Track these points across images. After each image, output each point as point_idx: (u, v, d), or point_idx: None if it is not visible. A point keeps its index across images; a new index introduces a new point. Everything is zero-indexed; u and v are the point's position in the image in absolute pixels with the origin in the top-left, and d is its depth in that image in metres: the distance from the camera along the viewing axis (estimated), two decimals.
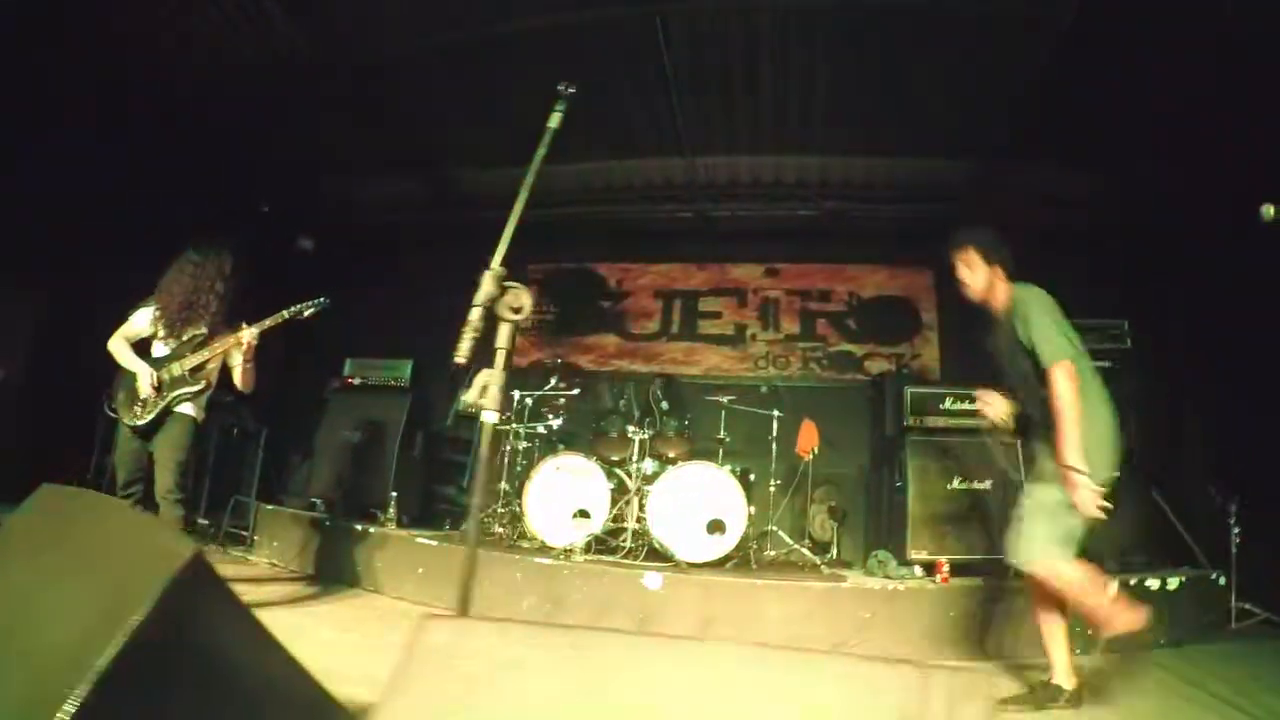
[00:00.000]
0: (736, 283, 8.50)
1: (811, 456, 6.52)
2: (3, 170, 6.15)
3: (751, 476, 6.31)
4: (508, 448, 6.72)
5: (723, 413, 6.47)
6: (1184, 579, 5.10)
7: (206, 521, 7.24)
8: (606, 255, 8.98)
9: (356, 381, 7.65)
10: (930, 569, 5.32)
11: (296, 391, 8.45)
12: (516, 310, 2.34)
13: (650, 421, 6.54)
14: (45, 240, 6.72)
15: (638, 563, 5.56)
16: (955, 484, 5.69)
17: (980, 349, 6.69)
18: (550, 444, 6.64)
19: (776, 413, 6.41)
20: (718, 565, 5.56)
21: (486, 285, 2.35)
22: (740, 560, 5.70)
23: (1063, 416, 3.37)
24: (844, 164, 7.35)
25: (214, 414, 6.54)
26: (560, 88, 2.74)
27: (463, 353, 2.28)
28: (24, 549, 1.74)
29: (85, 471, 6.93)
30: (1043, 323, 3.57)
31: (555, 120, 2.72)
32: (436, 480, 7.81)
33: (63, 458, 6.70)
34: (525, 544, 6.02)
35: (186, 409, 4.45)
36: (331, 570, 5.97)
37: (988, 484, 5.64)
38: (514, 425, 6.71)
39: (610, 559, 5.66)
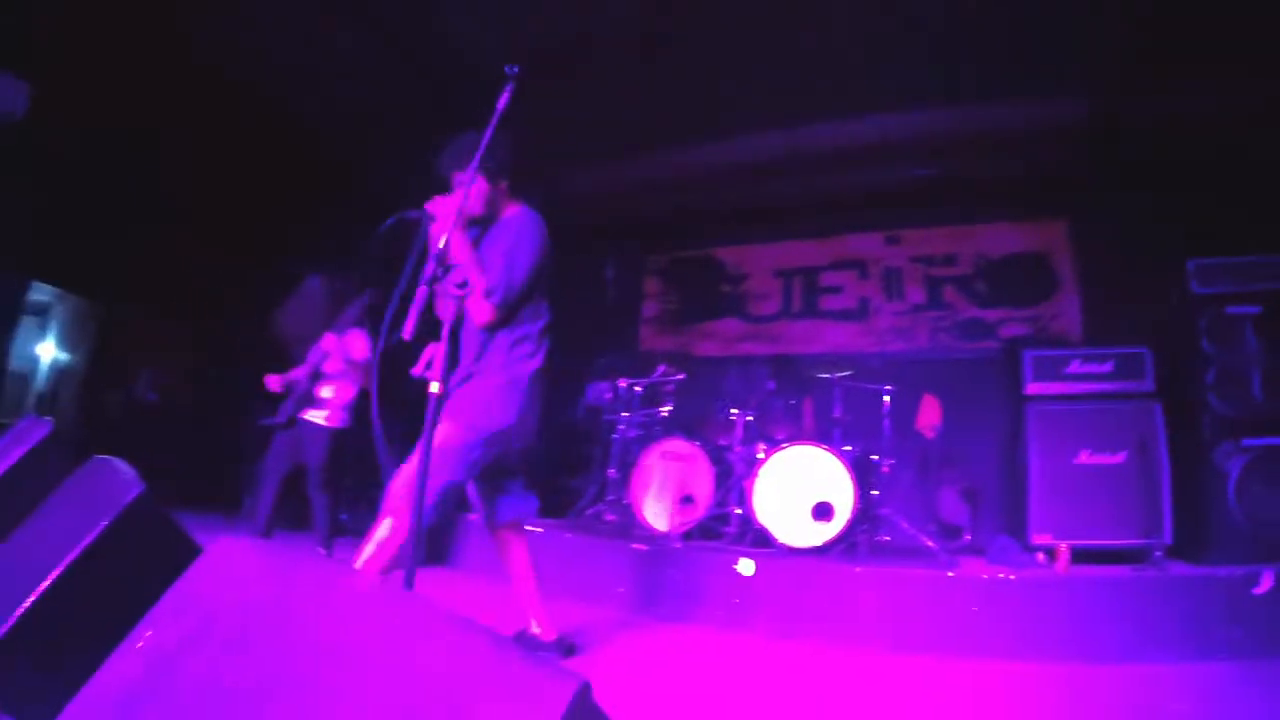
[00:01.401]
0: (856, 254, 7.98)
1: (934, 433, 5.95)
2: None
3: (874, 457, 5.76)
4: (616, 436, 6.50)
5: (837, 390, 5.96)
6: None
7: (347, 517, 7.38)
8: (724, 239, 8.71)
9: None
10: (1053, 555, 4.66)
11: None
12: (460, 286, 2.59)
13: (757, 403, 6.15)
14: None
15: (734, 548, 5.23)
16: (1083, 458, 4.97)
17: (1129, 304, 6.04)
18: (659, 431, 6.35)
19: (888, 388, 5.82)
20: (822, 551, 5.13)
21: (430, 265, 2.54)
22: (848, 546, 5.25)
23: None
24: (951, 115, 6.69)
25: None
26: (507, 69, 2.74)
27: (408, 329, 2.44)
28: None
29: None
30: None
31: (502, 100, 2.78)
32: (563, 472, 7.71)
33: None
34: (634, 531, 5.81)
35: None
36: (443, 555, 6.05)
37: (1121, 456, 4.89)
38: (623, 413, 6.52)
39: (711, 544, 5.39)
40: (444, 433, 3.04)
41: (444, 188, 3.31)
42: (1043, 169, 6.82)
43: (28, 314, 8.13)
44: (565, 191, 8.43)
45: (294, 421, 5.20)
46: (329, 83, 6.85)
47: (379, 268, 3.41)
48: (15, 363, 7.97)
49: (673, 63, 6.36)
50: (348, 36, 6.29)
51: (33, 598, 1.58)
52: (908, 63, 6.12)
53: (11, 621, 1.54)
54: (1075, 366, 5.20)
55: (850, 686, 3.50)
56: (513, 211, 3.46)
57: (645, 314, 8.98)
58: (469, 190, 3.10)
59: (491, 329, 3.30)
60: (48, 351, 9.24)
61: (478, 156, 2.90)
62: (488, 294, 3.18)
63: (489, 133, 2.75)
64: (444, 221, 2.89)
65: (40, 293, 8.33)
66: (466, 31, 6.19)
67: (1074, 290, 6.98)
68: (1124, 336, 5.24)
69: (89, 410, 7.91)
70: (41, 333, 9.20)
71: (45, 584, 1.60)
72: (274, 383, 5.26)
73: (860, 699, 3.32)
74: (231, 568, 1.22)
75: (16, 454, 3.14)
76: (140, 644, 1.15)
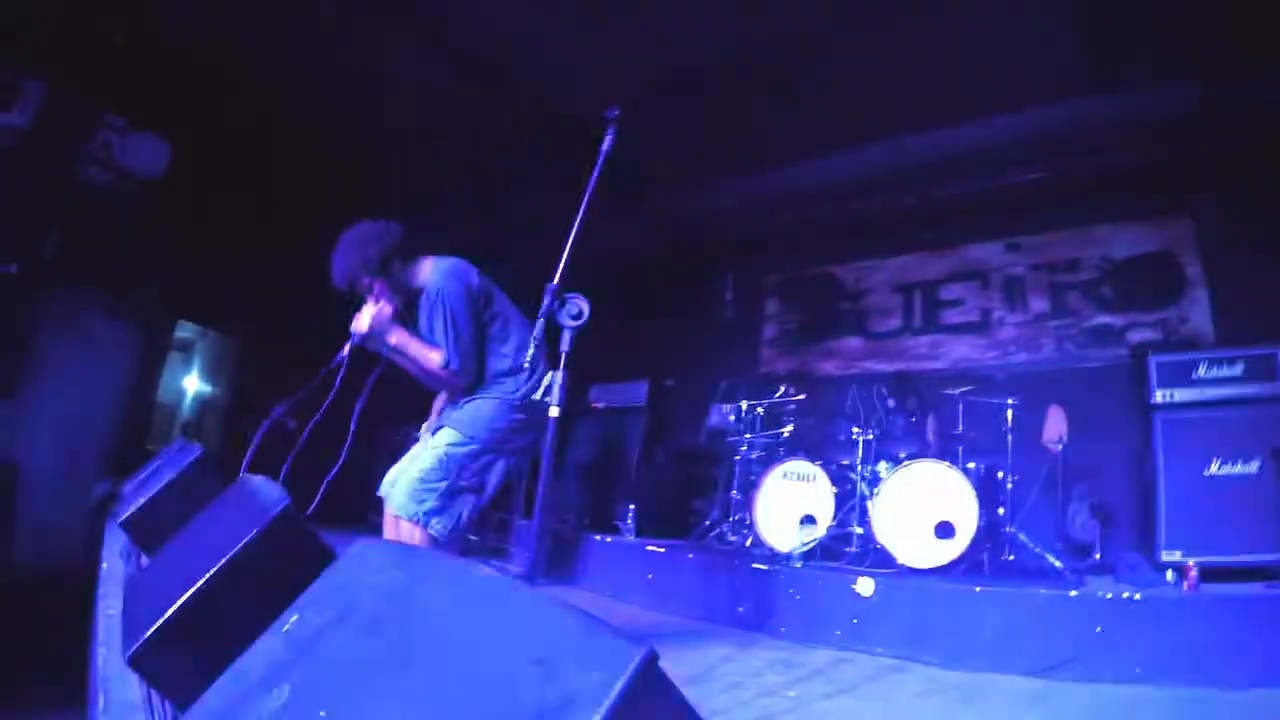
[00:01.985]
0: (976, 264, 7.78)
1: (1060, 447, 5.78)
2: None
3: (1000, 475, 5.64)
4: (738, 458, 6.60)
5: (960, 406, 5.88)
6: None
7: (475, 538, 7.66)
8: (840, 256, 8.65)
9: (600, 405, 7.97)
10: (1183, 573, 4.45)
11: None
12: (575, 317, 2.71)
13: (877, 421, 6.12)
14: None
15: (854, 568, 5.22)
16: (1215, 468, 4.73)
17: (1262, 302, 5.72)
18: (780, 452, 6.36)
19: (1011, 400, 5.67)
20: (944, 571, 5.07)
21: (545, 299, 2.73)
22: (970, 565, 5.18)
23: None
24: (1058, 112, 6.48)
25: None
26: (607, 114, 2.94)
27: (528, 358, 2.91)
28: None
29: None
30: None
31: (606, 142, 2.97)
32: (687, 494, 7.81)
33: None
34: (755, 551, 5.87)
35: None
36: (569, 575, 6.28)
37: (1254, 465, 4.64)
38: (746, 435, 6.61)
39: (831, 565, 5.40)
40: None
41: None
42: (1160, 161, 6.55)
43: (174, 350, 8.89)
44: (678, 214, 8.67)
45: None
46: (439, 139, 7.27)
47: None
48: (163, 395, 8.72)
49: (778, 80, 6.39)
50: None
51: (189, 592, 1.79)
52: (1013, 60, 5.97)
53: (169, 614, 1.75)
54: (1204, 370, 4.96)
55: (964, 708, 3.46)
56: (424, 275, 3.51)
57: (765, 335, 9.00)
58: (376, 295, 3.42)
59: (470, 390, 3.49)
60: (192, 384, 10.08)
61: (356, 263, 3.35)
62: (445, 367, 3.37)
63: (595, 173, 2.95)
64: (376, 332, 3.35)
65: (184, 330, 9.10)
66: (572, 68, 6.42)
67: (1203, 290, 6.61)
68: (1257, 336, 4.97)
69: (231, 437, 8.45)
70: (186, 367, 10.08)
71: (201, 581, 1.81)
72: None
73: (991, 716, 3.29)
74: (368, 562, 1.36)
75: (170, 473, 3.56)
76: (285, 628, 1.30)
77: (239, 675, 1.27)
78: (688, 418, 7.84)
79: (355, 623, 1.20)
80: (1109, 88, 6.19)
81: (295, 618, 1.32)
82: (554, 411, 2.68)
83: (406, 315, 3.55)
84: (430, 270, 3.51)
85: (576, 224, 2.91)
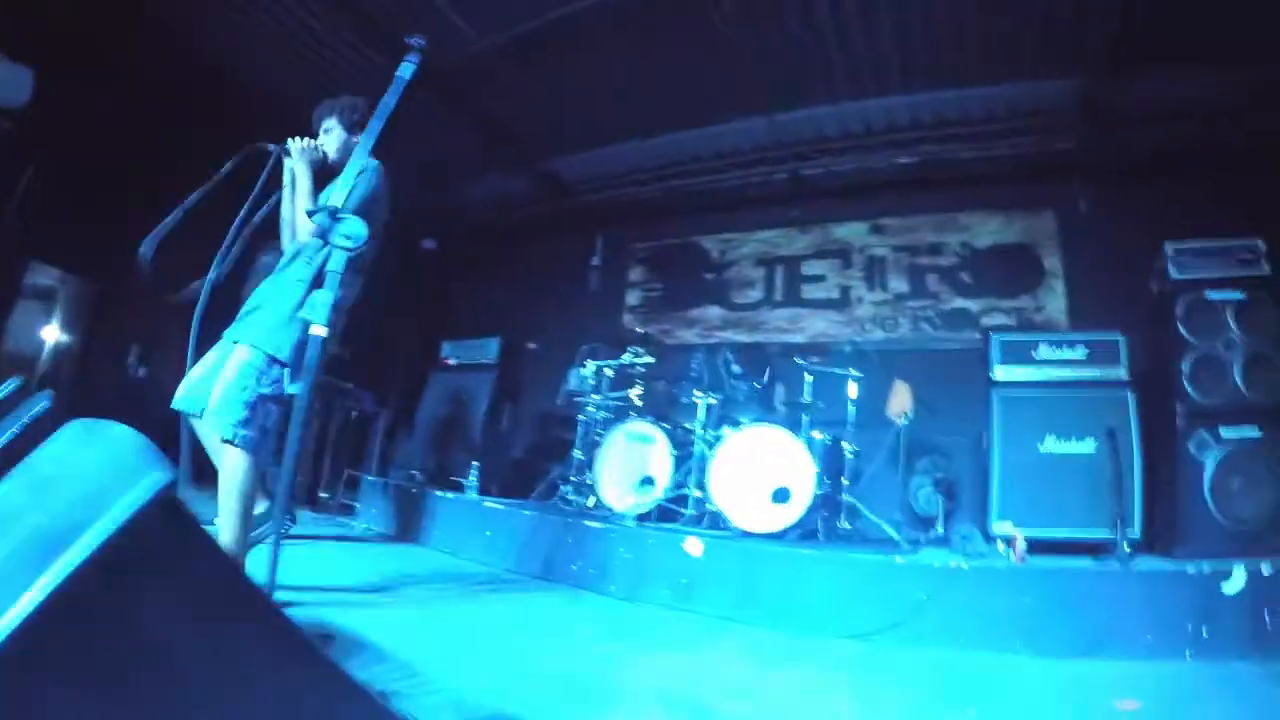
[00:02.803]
0: (840, 243, 7.70)
1: (904, 420, 5.65)
2: None
3: (846, 445, 5.52)
4: (583, 418, 6.35)
5: (809, 376, 5.68)
6: None
7: (327, 494, 7.57)
8: (708, 227, 8.47)
9: (453, 362, 7.62)
10: (1011, 544, 4.26)
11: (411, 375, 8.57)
12: (349, 238, 2.41)
13: (722, 386, 5.90)
14: None
15: (689, 529, 5.00)
16: (1050, 445, 4.62)
17: (1115, 295, 5.71)
18: (627, 414, 6.10)
19: (856, 372, 5.60)
20: (777, 536, 4.87)
21: (322, 219, 2.45)
22: (805, 532, 5.00)
23: None
24: (936, 100, 6.43)
25: (337, 399, 7.62)
26: (409, 40, 2.64)
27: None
28: None
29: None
30: None
31: (407, 71, 2.64)
32: (541, 455, 7.54)
33: None
34: (594, 511, 5.71)
35: None
36: (412, 532, 6.05)
37: (1089, 445, 4.55)
38: (594, 396, 6.38)
39: (666, 526, 5.19)
40: None
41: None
42: (1029, 155, 6.53)
43: (30, 297, 7.97)
44: (552, 177, 8.41)
45: None
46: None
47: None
48: (16, 345, 7.83)
49: (656, 49, 6.16)
50: None
51: None
52: (891, 48, 5.88)
53: None
54: (1045, 351, 4.86)
55: (774, 669, 3.26)
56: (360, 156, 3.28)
57: (629, 301, 8.74)
58: (329, 135, 3.60)
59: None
60: (52, 334, 9.09)
61: (339, 110, 3.58)
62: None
63: (389, 99, 2.62)
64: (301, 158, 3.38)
65: (44, 276, 8.15)
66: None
67: (1059, 281, 6.65)
68: (1107, 326, 4.91)
69: (84, 388, 7.75)
70: (46, 316, 9.06)
71: None
72: None
73: (795, 683, 3.06)
74: None
75: (16, 426, 2.99)
76: None
77: None
78: (549, 380, 7.50)
79: None
80: (990, 80, 6.14)
81: None
82: (320, 331, 2.37)
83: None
84: (369, 158, 3.35)
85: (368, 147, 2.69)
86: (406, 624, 3.36)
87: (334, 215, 2.41)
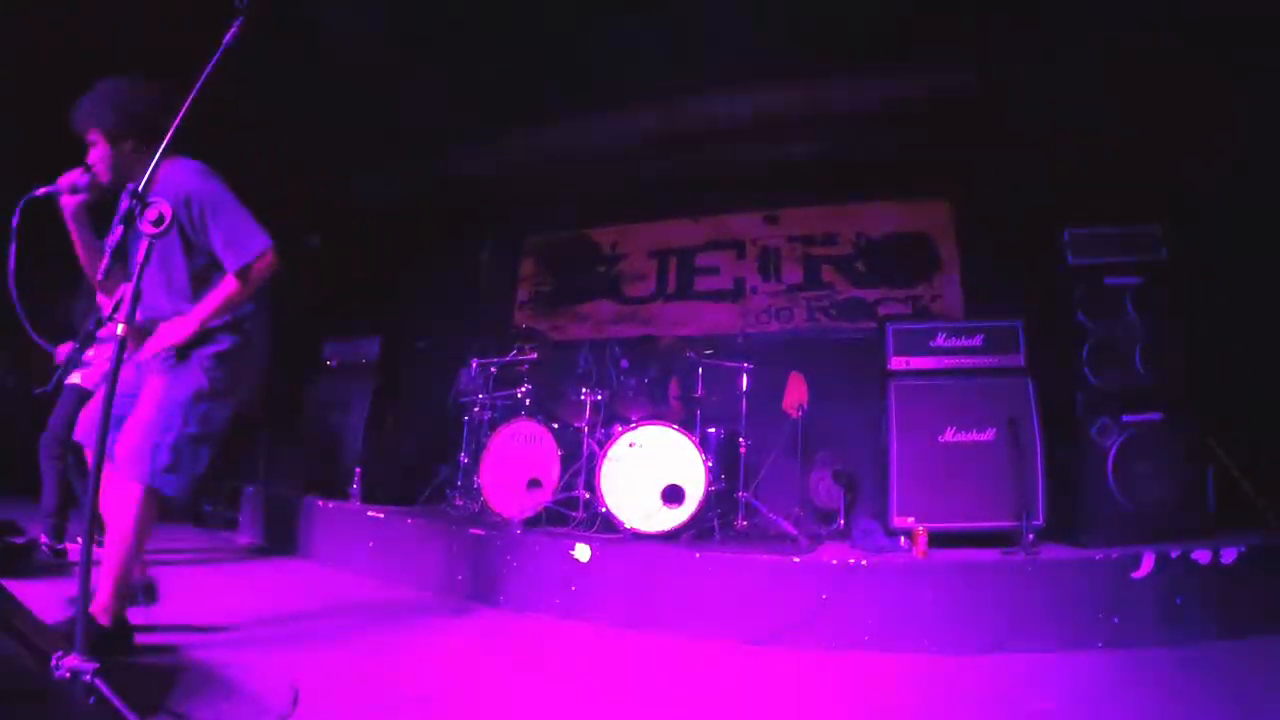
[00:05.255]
0: (734, 235, 7.41)
1: (800, 413, 5.41)
2: None
3: (741, 439, 5.24)
4: (467, 419, 5.96)
5: (699, 370, 5.38)
6: (1244, 550, 3.61)
7: (210, 509, 7.16)
8: (599, 220, 8.08)
9: (333, 363, 7.06)
10: (913, 539, 4.04)
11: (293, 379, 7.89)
12: (156, 224, 2.07)
13: (610, 383, 5.59)
14: None
15: (578, 533, 4.67)
16: (949, 436, 4.40)
17: (1010, 285, 5.60)
18: (520, 413, 5.69)
19: (748, 365, 5.36)
20: (671, 537, 4.58)
21: (124, 201, 2.22)
22: (700, 532, 4.71)
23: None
24: (830, 88, 6.23)
25: None
26: (236, 2, 2.21)
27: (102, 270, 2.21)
28: None
29: None
30: None
31: (229, 34, 2.25)
32: (429, 458, 6.99)
33: None
34: (481, 517, 5.29)
35: None
36: (293, 545, 5.68)
37: (989, 434, 4.34)
38: (479, 395, 5.99)
39: (557, 530, 4.85)
40: None
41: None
42: (923, 145, 6.37)
43: None
44: (438, 174, 7.99)
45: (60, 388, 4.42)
46: None
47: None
48: None
49: (542, 35, 5.83)
50: None
51: None
52: (782, 33, 5.65)
53: None
54: (941, 340, 4.66)
55: (683, 679, 3.03)
56: (166, 174, 2.77)
57: (520, 297, 8.27)
58: (95, 153, 2.78)
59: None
60: None
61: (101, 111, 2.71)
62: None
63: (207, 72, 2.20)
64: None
65: None
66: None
67: (955, 270, 6.50)
68: (1003, 315, 4.73)
69: None
70: None
71: None
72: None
73: (693, 692, 2.81)
74: None
75: None
76: None
77: None
78: (440, 380, 7.04)
79: None
80: (884, 67, 5.99)
81: None
82: (121, 330, 2.06)
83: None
84: (181, 170, 2.85)
85: (176, 121, 2.21)
86: (266, 650, 2.93)
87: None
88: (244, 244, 2.80)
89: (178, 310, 2.86)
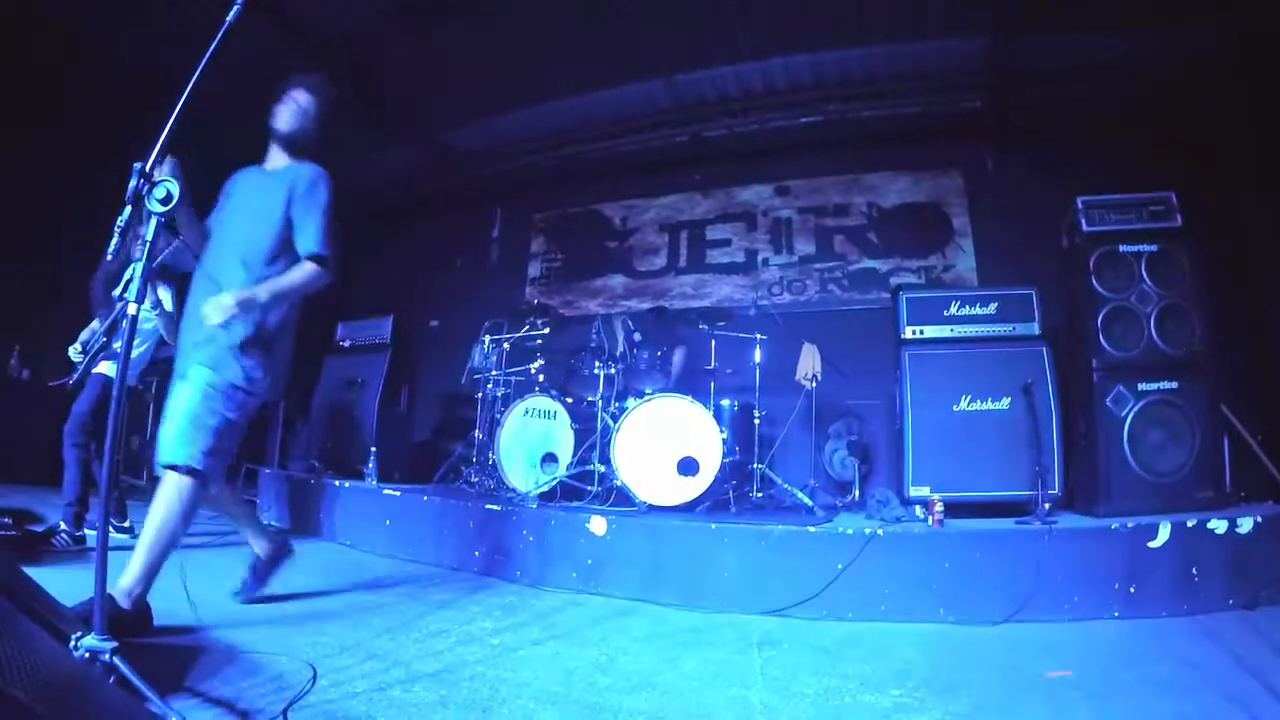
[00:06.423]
0: (744, 206, 7.40)
1: (813, 384, 5.38)
2: None
3: (756, 411, 5.23)
4: (481, 395, 5.97)
5: (712, 342, 5.36)
6: (1260, 519, 3.57)
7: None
8: (610, 194, 8.06)
9: (347, 344, 7.06)
10: (929, 508, 4.00)
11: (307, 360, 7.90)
12: (164, 202, 2.10)
13: (623, 356, 5.54)
14: None
15: (594, 507, 4.63)
16: (964, 404, 4.38)
17: (1024, 252, 5.56)
18: (534, 389, 5.70)
19: (762, 336, 5.31)
20: (686, 509, 4.56)
21: (133, 180, 2.10)
22: (715, 503, 4.68)
23: None
24: (842, 59, 6.12)
25: None
26: None
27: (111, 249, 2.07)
28: None
29: None
30: None
31: (232, 13, 2.29)
32: (444, 436, 7.14)
33: None
34: (498, 492, 5.32)
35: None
36: (311, 525, 5.61)
37: (1004, 403, 4.32)
38: (493, 372, 6.01)
39: (572, 504, 4.85)
40: None
41: None
42: (935, 114, 6.31)
43: None
44: (448, 149, 7.99)
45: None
46: None
47: None
48: None
49: (549, 11, 5.76)
50: None
51: None
52: (795, 4, 5.56)
53: None
54: (955, 309, 4.61)
55: (684, 651, 2.95)
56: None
57: (531, 273, 8.27)
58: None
59: None
60: None
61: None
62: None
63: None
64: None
65: None
66: None
67: (968, 239, 6.46)
68: (1017, 283, 4.69)
69: None
70: None
71: None
72: None
73: (703, 671, 2.72)
74: None
75: None
76: None
77: None
78: (454, 358, 7.04)
79: None
80: (896, 38, 5.87)
81: None
82: (132, 309, 2.09)
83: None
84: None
85: (182, 101, 2.20)
86: (285, 630, 2.93)
87: None
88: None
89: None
